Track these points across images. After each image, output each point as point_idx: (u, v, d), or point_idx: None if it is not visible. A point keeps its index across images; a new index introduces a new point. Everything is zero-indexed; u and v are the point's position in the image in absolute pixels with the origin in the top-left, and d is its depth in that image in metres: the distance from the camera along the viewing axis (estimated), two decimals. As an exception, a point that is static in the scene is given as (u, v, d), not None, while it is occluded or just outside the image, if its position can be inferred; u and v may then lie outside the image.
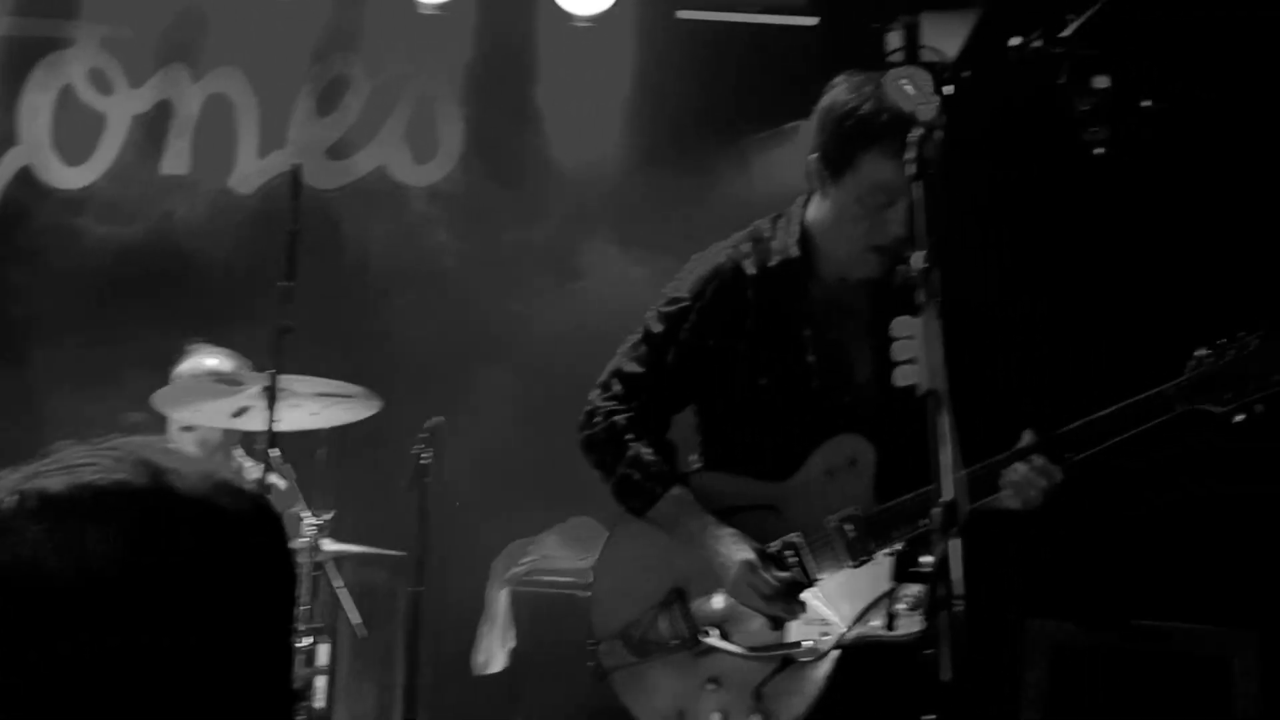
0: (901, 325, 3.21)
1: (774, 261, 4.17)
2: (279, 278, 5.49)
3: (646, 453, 4.13)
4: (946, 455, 2.79)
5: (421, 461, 6.15)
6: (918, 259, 3.08)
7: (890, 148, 3.84)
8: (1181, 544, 6.79)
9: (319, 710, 6.30)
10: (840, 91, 4.07)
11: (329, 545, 6.21)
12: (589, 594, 6.58)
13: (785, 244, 4.18)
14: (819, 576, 3.98)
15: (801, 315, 4.15)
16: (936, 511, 2.76)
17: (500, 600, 6.90)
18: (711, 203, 7.33)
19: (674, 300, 4.22)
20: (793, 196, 4.32)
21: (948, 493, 2.76)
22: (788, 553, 4.00)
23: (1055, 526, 6.22)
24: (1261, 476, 6.80)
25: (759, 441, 4.16)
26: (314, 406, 5.99)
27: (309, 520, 6.04)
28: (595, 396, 4.23)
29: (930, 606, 2.67)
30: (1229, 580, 6.67)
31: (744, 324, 4.16)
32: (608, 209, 7.58)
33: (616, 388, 4.21)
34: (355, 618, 6.27)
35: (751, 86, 7.37)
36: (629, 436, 4.14)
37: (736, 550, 4.00)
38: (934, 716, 2.67)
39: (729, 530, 4.05)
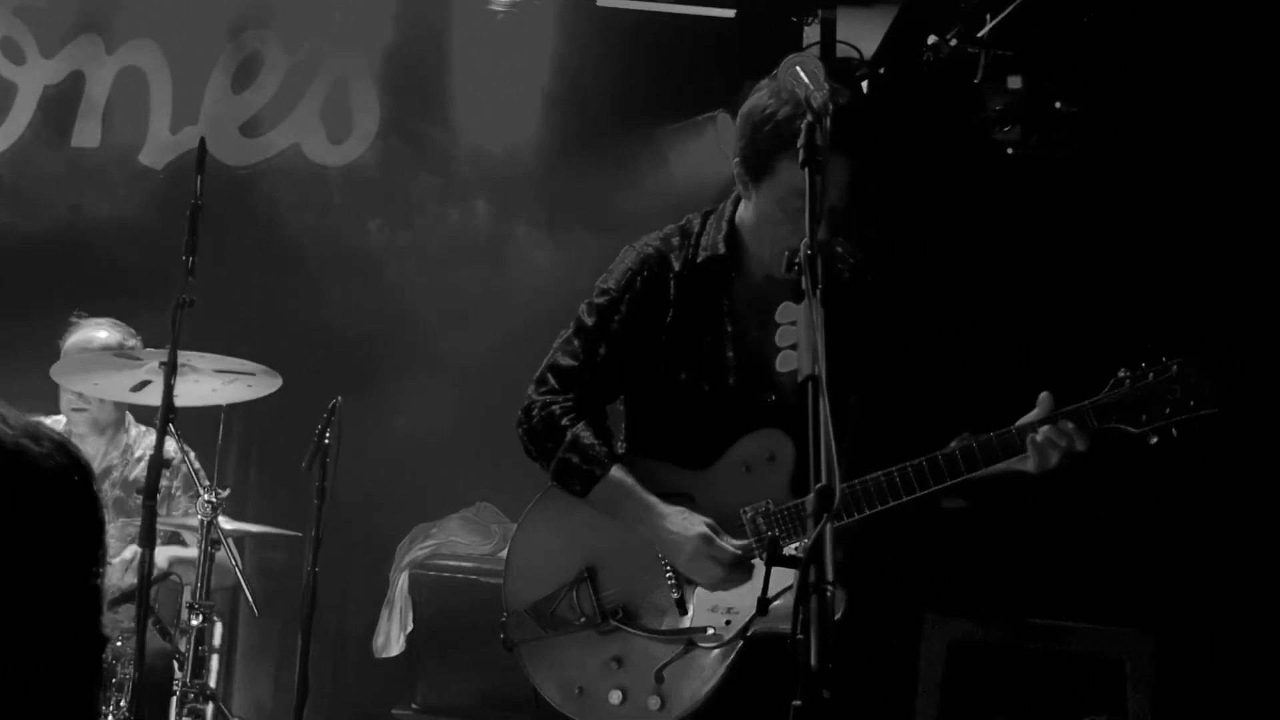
0: (786, 311, 3.22)
1: (701, 257, 4.23)
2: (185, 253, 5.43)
3: (585, 436, 4.17)
4: (825, 440, 2.78)
5: (323, 442, 6.10)
6: (804, 246, 3.07)
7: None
8: (1080, 546, 6.85)
9: (212, 690, 6.24)
10: (760, 97, 4.10)
11: (225, 524, 6.15)
12: (490, 579, 6.62)
13: (714, 240, 4.23)
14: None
15: (724, 312, 4.21)
16: (811, 497, 2.75)
17: (400, 584, 6.87)
18: (629, 189, 7.34)
19: (604, 292, 4.28)
20: (710, 186, 4.39)
21: (823, 478, 2.74)
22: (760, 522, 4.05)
23: (963, 526, 6.29)
24: (1161, 487, 6.87)
25: (680, 432, 4.22)
26: (215, 383, 5.94)
27: (205, 498, 5.97)
28: (531, 392, 4.28)
29: (800, 593, 2.65)
30: (1125, 582, 6.73)
31: (668, 317, 4.21)
32: (525, 193, 7.56)
33: (552, 382, 4.26)
34: (251, 598, 6.21)
35: (669, 76, 7.37)
36: (565, 422, 4.17)
37: (689, 524, 4.06)
38: (799, 702, 2.63)
39: (675, 508, 4.11)
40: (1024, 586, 6.67)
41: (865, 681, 6.46)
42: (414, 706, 6.73)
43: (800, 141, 3.13)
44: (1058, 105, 6.57)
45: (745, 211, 4.21)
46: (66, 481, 1.49)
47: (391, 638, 6.87)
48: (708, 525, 4.06)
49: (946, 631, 6.53)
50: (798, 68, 3.40)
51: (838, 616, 2.66)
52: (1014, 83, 6.63)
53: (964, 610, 6.55)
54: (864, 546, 4.10)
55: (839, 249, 4.24)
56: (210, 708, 6.19)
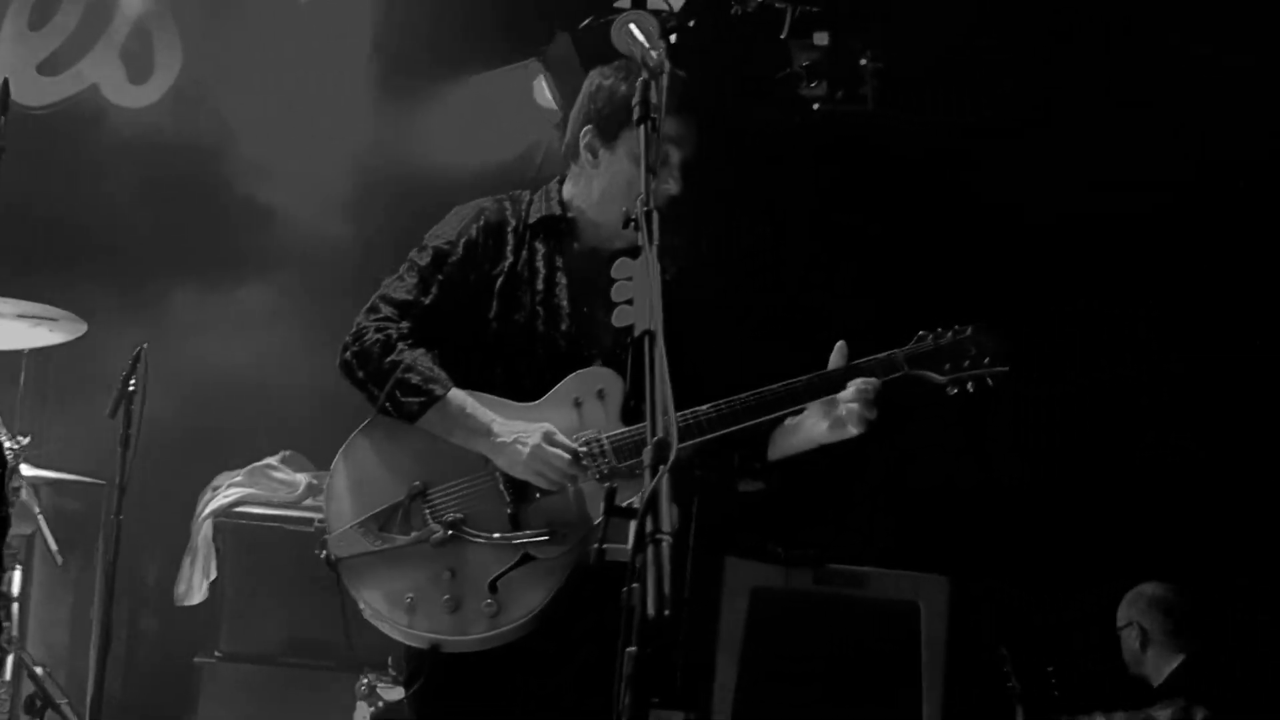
0: (622, 267, 3.25)
1: (534, 218, 4.29)
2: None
3: (423, 359, 4.16)
4: (660, 393, 2.83)
5: (128, 389, 6.02)
6: (639, 202, 3.12)
7: (671, 106, 3.94)
8: (880, 492, 7.02)
9: (11, 638, 6.14)
10: (607, 71, 4.21)
11: (26, 470, 6.04)
12: (295, 527, 6.60)
13: (546, 205, 4.30)
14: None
15: (559, 266, 4.26)
16: (648, 449, 2.80)
17: (203, 531, 6.80)
18: (441, 140, 7.30)
19: (438, 236, 4.28)
20: (519, 136, 4.41)
21: (660, 428, 2.80)
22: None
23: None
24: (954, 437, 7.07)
25: (506, 374, 4.23)
26: (17, 327, 5.82)
27: (7, 444, 5.86)
28: (361, 319, 4.22)
29: (636, 542, 2.70)
30: (921, 528, 6.92)
31: (504, 264, 4.24)
32: (335, 137, 7.47)
33: (386, 309, 4.22)
34: (52, 545, 6.11)
35: (479, 26, 7.33)
36: (403, 345, 4.16)
37: (530, 427, 4.08)
38: (634, 649, 2.69)
39: (518, 421, 4.12)
40: (819, 532, 6.82)
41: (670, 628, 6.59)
42: (217, 654, 6.67)
43: (635, 98, 3.18)
44: (863, 61, 6.69)
45: (575, 186, 4.29)
46: None
47: (194, 585, 6.80)
48: (548, 427, 4.09)
49: (748, 577, 6.65)
50: (632, 25, 3.43)
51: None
52: (820, 39, 6.72)
53: (765, 556, 6.67)
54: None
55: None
56: (10, 657, 6.10)
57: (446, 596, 4.07)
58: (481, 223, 4.26)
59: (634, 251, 4.01)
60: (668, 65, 3.31)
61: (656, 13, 6.96)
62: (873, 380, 4.08)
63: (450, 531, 4.09)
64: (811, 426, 4.19)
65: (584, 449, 4.08)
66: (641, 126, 3.17)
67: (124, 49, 7.64)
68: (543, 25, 7.00)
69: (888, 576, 6.67)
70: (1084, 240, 6.98)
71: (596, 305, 4.20)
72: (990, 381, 4.17)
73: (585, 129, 4.21)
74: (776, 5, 6.78)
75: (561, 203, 4.29)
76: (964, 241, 6.85)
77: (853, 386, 4.07)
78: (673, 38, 6.70)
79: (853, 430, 4.08)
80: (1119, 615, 6.55)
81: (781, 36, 6.77)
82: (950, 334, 4.18)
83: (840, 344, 4.14)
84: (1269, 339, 6.98)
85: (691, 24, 6.70)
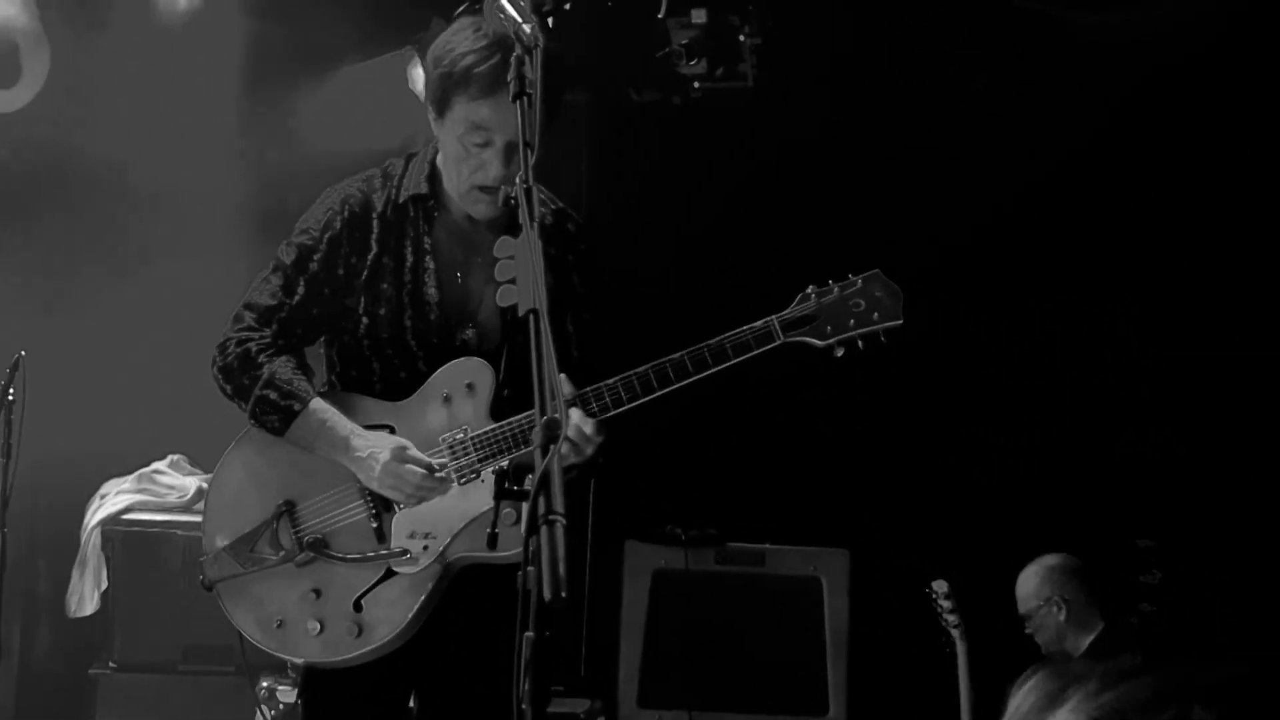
0: (504, 245, 3.21)
1: (403, 198, 4.20)
2: None
3: (283, 371, 4.11)
4: (548, 372, 2.78)
5: (7, 398, 5.90)
6: (518, 179, 3.07)
7: (482, 89, 3.96)
8: (775, 469, 7.03)
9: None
10: (444, 35, 4.14)
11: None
12: (185, 532, 6.49)
13: (416, 180, 4.22)
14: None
15: (426, 249, 4.19)
16: (537, 429, 2.75)
17: (92, 541, 6.67)
18: (320, 132, 7.23)
19: (304, 231, 4.21)
20: (399, 125, 4.36)
21: (549, 408, 2.75)
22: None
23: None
24: (849, 400, 7.08)
25: (380, 369, 4.18)
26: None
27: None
28: (226, 329, 4.18)
29: (530, 524, 2.65)
30: (819, 502, 6.93)
31: (370, 255, 4.17)
32: (212, 135, 7.36)
33: (249, 318, 4.17)
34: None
35: (353, 15, 7.24)
36: (263, 359, 4.11)
37: (382, 440, 4.04)
38: (532, 634, 2.64)
39: (372, 432, 4.08)
40: (718, 511, 6.81)
41: (572, 614, 6.56)
42: (111, 665, 6.56)
43: (510, 74, 3.13)
44: (742, 38, 6.67)
45: (440, 158, 4.22)
46: None
47: (85, 596, 6.67)
48: (402, 440, 4.05)
49: (649, 559, 6.64)
50: (504, 1, 3.38)
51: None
52: (698, 16, 6.70)
53: (665, 538, 6.66)
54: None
55: (540, 194, 4.25)
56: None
57: (311, 619, 4.04)
58: (345, 214, 4.18)
59: (514, 229, 3.99)
60: (541, 40, 3.26)
61: (533, -2, 6.92)
62: (577, 417, 3.89)
63: (311, 553, 4.06)
64: None
65: (447, 450, 4.04)
66: (517, 103, 3.12)
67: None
68: (418, 13, 6.92)
69: (788, 552, 6.68)
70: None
71: (470, 274, 4.16)
72: (883, 338, 4.05)
73: (426, 103, 4.17)
74: (654, -17, 6.75)
75: (433, 167, 4.22)
76: (851, 206, 6.85)
77: (572, 413, 3.89)
78: (550, 20, 6.64)
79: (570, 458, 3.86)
80: (1030, 595, 6.30)
81: (659, 15, 6.75)
82: (837, 288, 4.05)
83: (562, 375, 3.82)
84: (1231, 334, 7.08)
85: (568, 6, 6.64)
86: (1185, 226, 7.05)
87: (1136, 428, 7.15)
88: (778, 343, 4.01)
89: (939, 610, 6.01)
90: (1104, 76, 6.82)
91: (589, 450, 3.93)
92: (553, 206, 4.30)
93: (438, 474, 4.03)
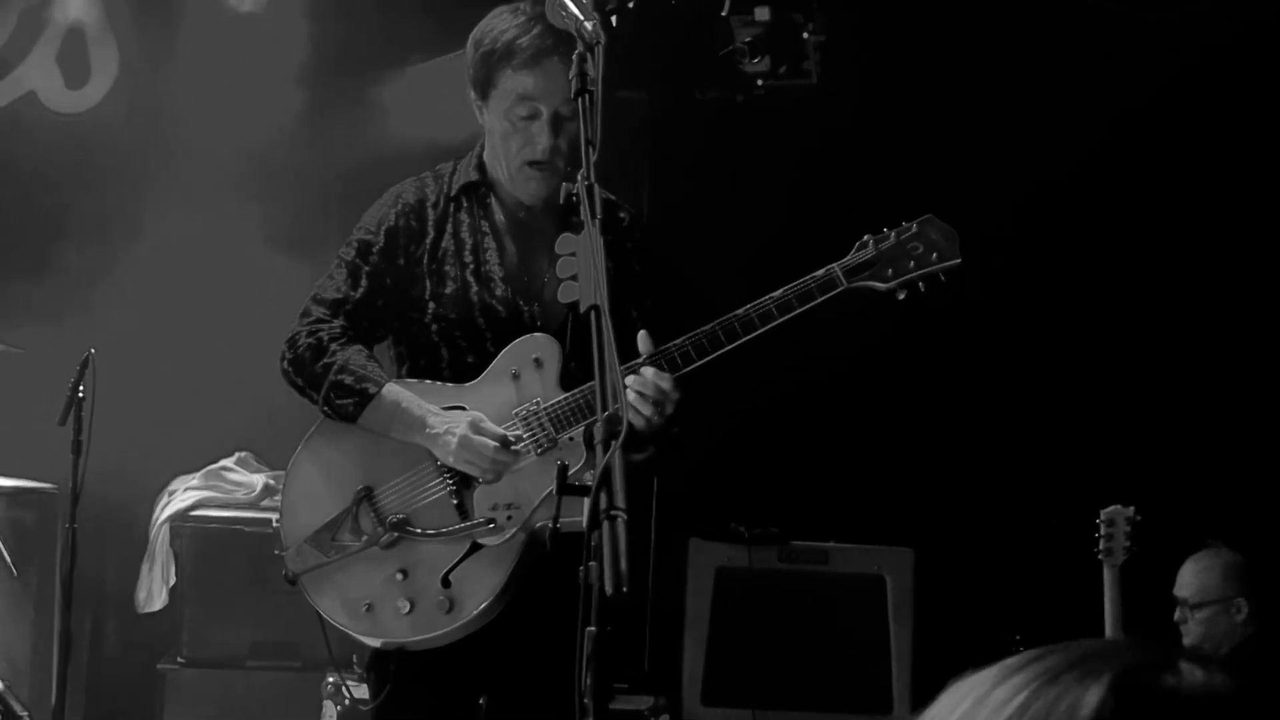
0: (565, 242, 3.23)
1: (454, 190, 4.27)
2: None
3: (356, 358, 4.15)
4: (610, 367, 2.80)
5: (78, 395, 5.96)
6: (580, 176, 3.09)
7: (525, 60, 4.05)
8: (839, 467, 7.00)
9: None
10: (483, 21, 4.23)
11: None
12: (253, 528, 6.54)
13: (465, 171, 4.30)
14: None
15: (485, 231, 4.25)
16: (599, 425, 2.77)
17: (161, 536, 6.73)
18: (382, 133, 7.26)
19: (361, 228, 4.29)
20: (461, 126, 4.41)
21: (610, 404, 2.77)
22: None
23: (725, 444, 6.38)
24: (914, 399, 7.06)
25: (450, 353, 4.22)
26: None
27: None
28: (295, 324, 4.23)
29: (591, 519, 2.67)
30: (883, 499, 6.90)
31: (428, 240, 4.23)
32: (270, 136, 7.41)
33: (317, 312, 4.24)
34: (7, 557, 6.04)
35: (416, 15, 7.29)
36: (335, 347, 4.16)
37: (457, 416, 4.07)
38: (594, 628, 2.66)
39: (450, 411, 4.11)
40: (787, 510, 6.80)
41: (634, 611, 6.57)
42: (179, 660, 6.61)
43: (572, 71, 3.16)
44: (806, 35, 6.67)
45: (486, 142, 4.29)
46: None
47: (154, 592, 6.74)
48: (476, 415, 4.08)
49: (712, 557, 6.64)
50: (566, -1, 3.40)
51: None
52: (761, 14, 6.70)
53: (728, 536, 6.66)
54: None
55: (611, 197, 4.28)
56: (-32, 672, 6.04)
57: (401, 598, 4.06)
58: (399, 207, 4.25)
59: (566, 214, 4.05)
60: (603, 37, 3.28)
61: (595, -4, 6.94)
62: (653, 374, 3.92)
63: (395, 532, 4.08)
64: None
65: (521, 423, 4.06)
66: (579, 100, 3.15)
67: (60, 54, 7.55)
68: (480, 12, 6.94)
69: (852, 551, 6.67)
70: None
71: (532, 256, 4.20)
72: (943, 278, 4.05)
73: (469, 90, 4.24)
74: (719, -19, 6.75)
75: (480, 165, 4.27)
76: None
77: (628, 380, 3.90)
78: (613, 19, 6.66)
79: (635, 422, 3.87)
80: (1211, 588, 5.79)
81: (723, 13, 6.75)
82: (893, 234, 4.06)
83: (642, 333, 4.01)
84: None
85: (630, 4, 6.66)
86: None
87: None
88: (841, 289, 4.02)
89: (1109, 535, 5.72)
90: (1157, 60, 6.78)
91: (669, 408, 3.94)
92: (601, 197, 4.32)
93: (513, 446, 4.04)
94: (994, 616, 6.54)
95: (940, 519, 6.89)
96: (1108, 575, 5.62)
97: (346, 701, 5.98)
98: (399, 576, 4.07)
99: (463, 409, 4.13)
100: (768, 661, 6.57)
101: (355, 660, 5.99)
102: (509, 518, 4.04)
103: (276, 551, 4.23)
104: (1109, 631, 5.57)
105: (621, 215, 4.29)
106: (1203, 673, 1.23)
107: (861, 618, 6.58)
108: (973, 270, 4.14)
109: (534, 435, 4.07)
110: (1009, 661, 1.28)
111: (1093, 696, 1.20)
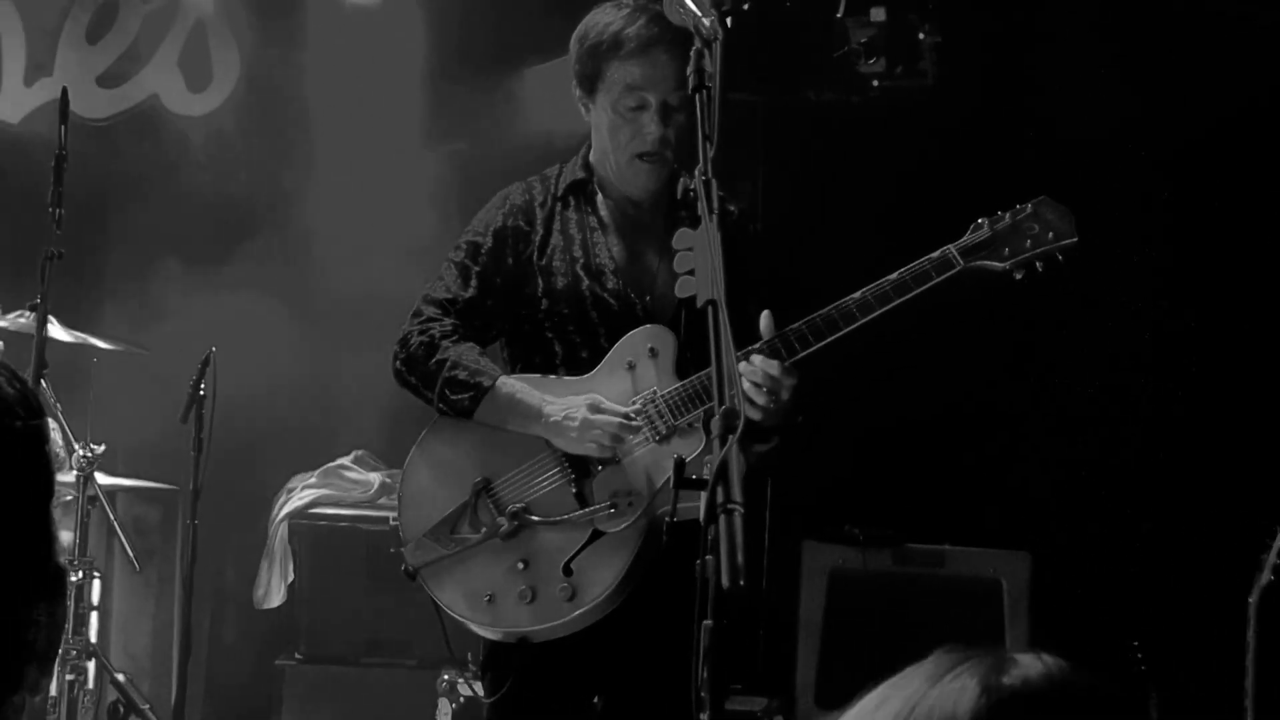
0: (682, 238, 3.23)
1: (561, 189, 4.29)
2: (45, 205, 5.38)
3: (469, 354, 4.18)
4: (726, 362, 2.80)
5: (199, 393, 6.05)
6: (697, 172, 3.10)
7: (632, 51, 4.07)
8: (954, 466, 6.95)
9: (94, 647, 6.18)
10: (586, 19, 4.24)
11: (101, 479, 6.08)
12: (370, 526, 6.61)
13: (572, 171, 4.33)
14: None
15: (593, 225, 4.28)
16: (716, 419, 2.77)
17: (279, 534, 6.82)
18: (501, 132, 7.31)
19: (470, 230, 4.32)
20: (577, 129, 4.43)
21: (727, 398, 2.77)
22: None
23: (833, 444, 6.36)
24: (1032, 402, 6.99)
25: (564, 348, 4.25)
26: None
27: (80, 454, 5.90)
28: (406, 325, 4.27)
29: (708, 513, 2.67)
30: (999, 502, 6.84)
31: (536, 238, 4.26)
32: (394, 138, 7.48)
33: (429, 311, 4.26)
34: (130, 552, 6.15)
35: (536, 16, 7.32)
36: (447, 344, 4.18)
37: (575, 400, 4.09)
38: (710, 622, 2.66)
39: (566, 398, 4.12)
40: (902, 512, 6.75)
41: (749, 612, 6.56)
42: (297, 656, 6.69)
43: (690, 67, 3.17)
44: (921, 36, 6.64)
45: (592, 140, 4.31)
46: (29, 409, 1.49)
47: (272, 588, 6.82)
48: (594, 395, 4.10)
49: (826, 559, 6.61)
50: (684, -5, 3.41)
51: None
52: (877, 15, 6.68)
53: (842, 538, 6.62)
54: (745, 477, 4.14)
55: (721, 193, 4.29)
56: (92, 664, 6.14)
57: (523, 587, 4.07)
58: (506, 208, 4.29)
59: (675, 209, 4.05)
60: (720, 33, 3.29)
61: (712, -3, 6.94)
62: (761, 361, 3.91)
63: (515, 522, 4.09)
64: None
65: (638, 410, 4.07)
66: (696, 95, 3.15)
67: (182, 58, 7.67)
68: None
69: (968, 554, 6.61)
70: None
71: (641, 249, 4.21)
72: (1060, 257, 4.02)
73: (573, 85, 4.25)
74: (833, -17, 6.74)
75: (586, 164, 4.30)
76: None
77: (741, 366, 3.87)
78: (728, 20, 6.66)
79: (752, 415, 3.85)
80: None
81: (838, 14, 6.74)
82: (1009, 215, 4.04)
83: (765, 313, 3.98)
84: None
85: (746, 6, 6.66)
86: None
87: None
88: (957, 269, 4.00)
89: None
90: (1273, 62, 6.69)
91: (783, 394, 3.93)
92: (735, 208, 4.35)
93: (634, 422, 4.06)
94: (1111, 623, 6.46)
95: (1058, 522, 6.82)
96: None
97: (461, 700, 6.03)
98: (520, 566, 4.07)
99: None
100: (882, 664, 6.47)
101: (470, 658, 6.04)
102: (629, 504, 4.04)
103: (393, 550, 4.26)
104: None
105: (731, 209, 4.28)
106: (1039, 662, 1.57)
107: (976, 622, 6.51)
108: (1092, 272, 4.10)
109: (651, 423, 4.07)
110: (904, 671, 1.65)
111: (968, 696, 1.54)
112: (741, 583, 2.61)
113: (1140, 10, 6.85)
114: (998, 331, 6.68)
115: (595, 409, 4.06)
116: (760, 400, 3.91)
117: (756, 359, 3.92)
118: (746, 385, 3.89)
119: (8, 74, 7.55)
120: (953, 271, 3.99)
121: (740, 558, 2.63)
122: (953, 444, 6.98)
